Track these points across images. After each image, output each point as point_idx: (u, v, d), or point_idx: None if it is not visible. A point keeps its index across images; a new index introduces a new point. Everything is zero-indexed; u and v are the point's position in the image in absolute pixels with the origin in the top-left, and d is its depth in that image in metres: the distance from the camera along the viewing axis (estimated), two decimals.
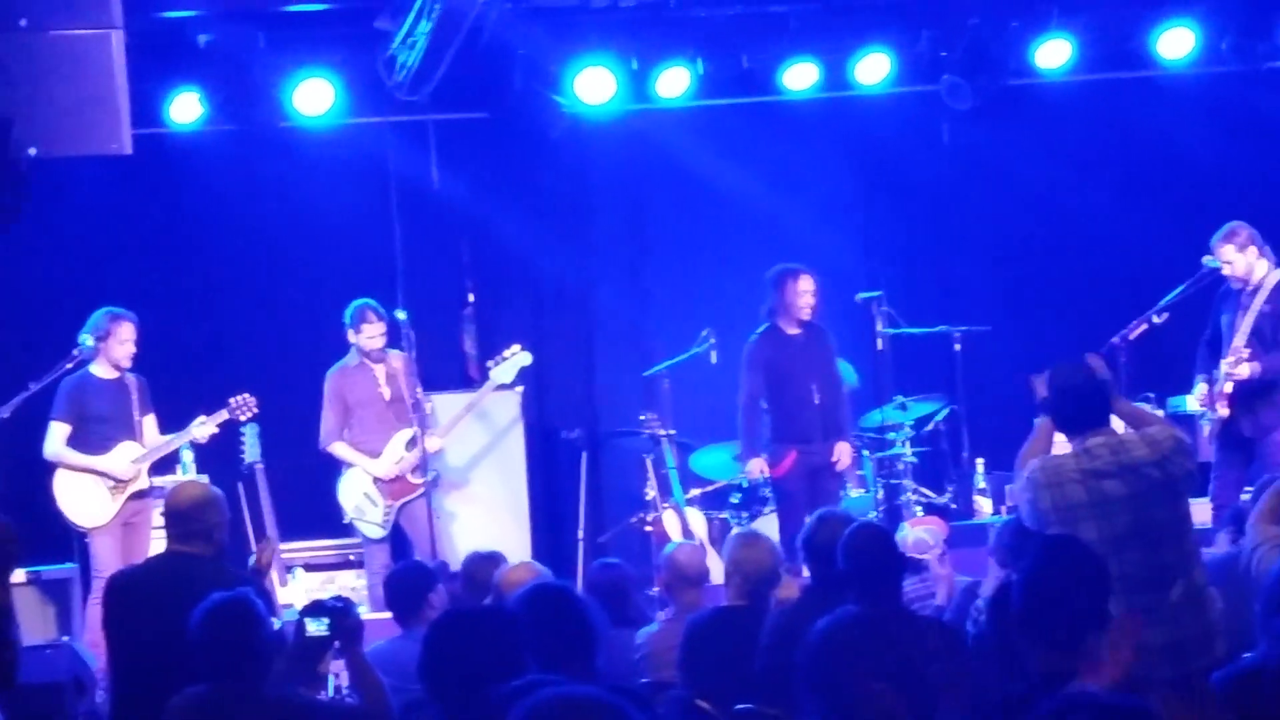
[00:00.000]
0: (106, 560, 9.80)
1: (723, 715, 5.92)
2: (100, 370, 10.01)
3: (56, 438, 9.95)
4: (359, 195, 12.18)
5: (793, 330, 10.44)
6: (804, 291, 10.37)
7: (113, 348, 9.97)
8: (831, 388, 10.46)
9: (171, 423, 10.25)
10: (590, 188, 12.74)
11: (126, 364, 10.04)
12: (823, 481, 10.40)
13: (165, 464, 10.54)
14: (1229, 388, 9.69)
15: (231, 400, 10.30)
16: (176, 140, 11.68)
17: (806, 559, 6.29)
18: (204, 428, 10.18)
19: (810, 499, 10.09)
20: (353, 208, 12.18)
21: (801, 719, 5.67)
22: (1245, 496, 9.24)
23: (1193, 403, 9.94)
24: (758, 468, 10.38)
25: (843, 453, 10.40)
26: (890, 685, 5.14)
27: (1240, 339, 9.70)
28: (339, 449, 10.55)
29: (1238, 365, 9.62)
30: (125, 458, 9.98)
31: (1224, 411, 9.73)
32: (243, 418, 10.33)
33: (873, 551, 5.82)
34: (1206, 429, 9.91)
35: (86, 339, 9.91)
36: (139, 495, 10.05)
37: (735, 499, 11.26)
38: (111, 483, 9.95)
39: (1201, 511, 8.89)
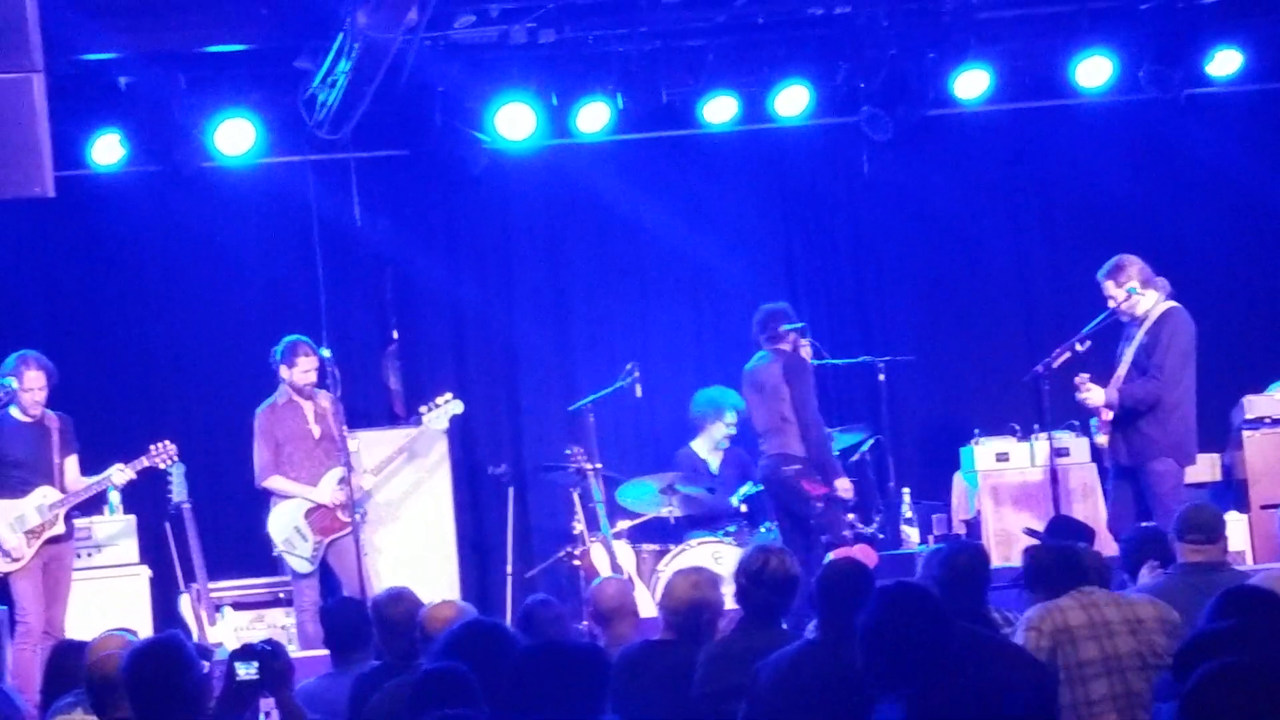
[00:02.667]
0: (28, 604, 9.73)
1: None
2: (17, 413, 9.89)
3: None
4: (281, 234, 12.15)
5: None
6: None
7: (19, 394, 9.84)
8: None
9: (95, 463, 10.15)
10: (512, 223, 12.74)
11: (36, 411, 9.90)
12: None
13: (93, 504, 10.48)
14: (1108, 416, 9.87)
15: (151, 448, 10.22)
16: (98, 181, 11.65)
17: (738, 591, 6.30)
18: (123, 474, 10.08)
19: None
20: (275, 246, 12.15)
21: None
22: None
23: (1099, 437, 10.06)
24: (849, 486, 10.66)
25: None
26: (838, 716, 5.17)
27: (1122, 369, 9.90)
28: (276, 482, 10.48)
29: (1088, 392, 9.83)
30: (41, 503, 9.90)
31: (1102, 440, 9.94)
32: (162, 465, 10.23)
33: (848, 586, 5.84)
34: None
35: (10, 381, 9.81)
36: (56, 540, 9.95)
37: (732, 528, 11.30)
38: (27, 526, 9.85)
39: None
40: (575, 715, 4.08)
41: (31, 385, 9.85)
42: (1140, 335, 9.88)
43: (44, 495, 9.92)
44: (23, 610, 9.74)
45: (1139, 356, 9.85)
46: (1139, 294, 9.87)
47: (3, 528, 9.84)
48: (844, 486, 10.54)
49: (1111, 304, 9.93)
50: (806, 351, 10.77)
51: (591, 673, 4.42)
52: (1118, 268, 9.95)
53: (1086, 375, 9.82)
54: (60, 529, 9.97)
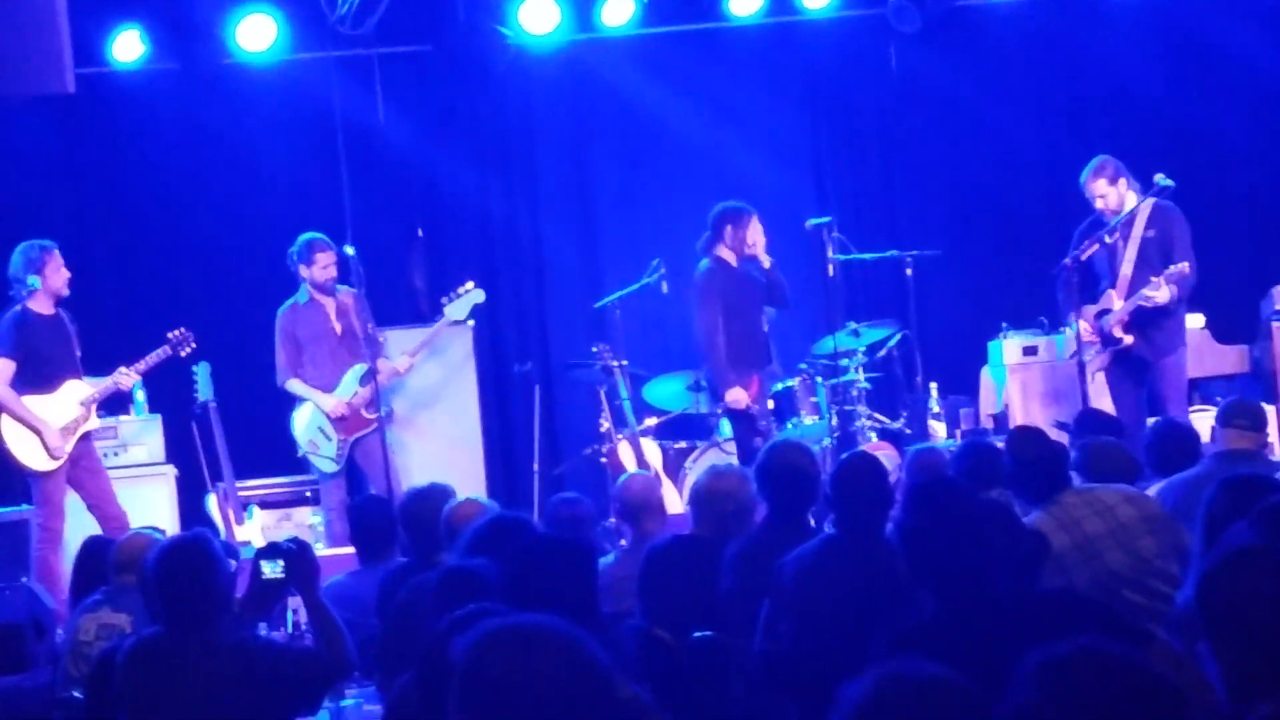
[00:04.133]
0: (56, 505, 9.70)
1: (680, 644, 5.94)
2: (39, 306, 9.73)
3: (2, 376, 9.74)
4: (304, 131, 12.08)
5: (735, 263, 10.45)
6: (759, 230, 10.40)
7: (51, 278, 9.68)
8: (768, 318, 10.55)
9: (116, 363, 10.10)
10: (536, 119, 12.68)
11: (65, 292, 9.77)
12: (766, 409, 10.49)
13: (118, 403, 10.50)
14: (1126, 316, 9.85)
15: (170, 334, 10.17)
16: (119, 79, 11.60)
17: (762, 488, 6.30)
18: (127, 377, 9.96)
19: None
20: (298, 144, 12.09)
21: (765, 646, 5.70)
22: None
23: (1083, 333, 9.98)
24: (742, 397, 10.35)
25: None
26: (861, 610, 5.18)
27: (1128, 268, 9.86)
28: (295, 385, 10.50)
29: (1156, 289, 9.75)
30: (72, 399, 9.88)
31: (1128, 339, 9.88)
32: (183, 352, 10.18)
33: (862, 481, 5.85)
34: (1098, 362, 10.03)
35: (34, 279, 9.71)
36: (87, 436, 9.90)
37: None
38: (63, 422, 9.83)
39: None
40: (571, 608, 4.10)
41: (61, 264, 9.73)
42: (1139, 231, 9.88)
43: (73, 389, 9.87)
44: (48, 513, 9.70)
45: (1146, 252, 9.85)
46: (1125, 192, 9.91)
47: (44, 423, 9.72)
48: (732, 398, 10.38)
49: (1101, 204, 10.00)
50: (758, 247, 10.44)
51: (573, 570, 4.44)
52: (1103, 167, 10.00)
53: (1128, 276, 9.77)
54: (95, 423, 9.94)
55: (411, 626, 5.00)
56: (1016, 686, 2.65)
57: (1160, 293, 9.77)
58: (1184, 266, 9.75)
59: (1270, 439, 10.36)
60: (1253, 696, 3.23)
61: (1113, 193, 9.90)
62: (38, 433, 9.69)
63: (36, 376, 9.76)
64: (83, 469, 9.85)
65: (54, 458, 9.72)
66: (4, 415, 9.74)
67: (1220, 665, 3.37)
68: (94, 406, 9.91)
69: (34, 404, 9.72)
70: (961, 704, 2.67)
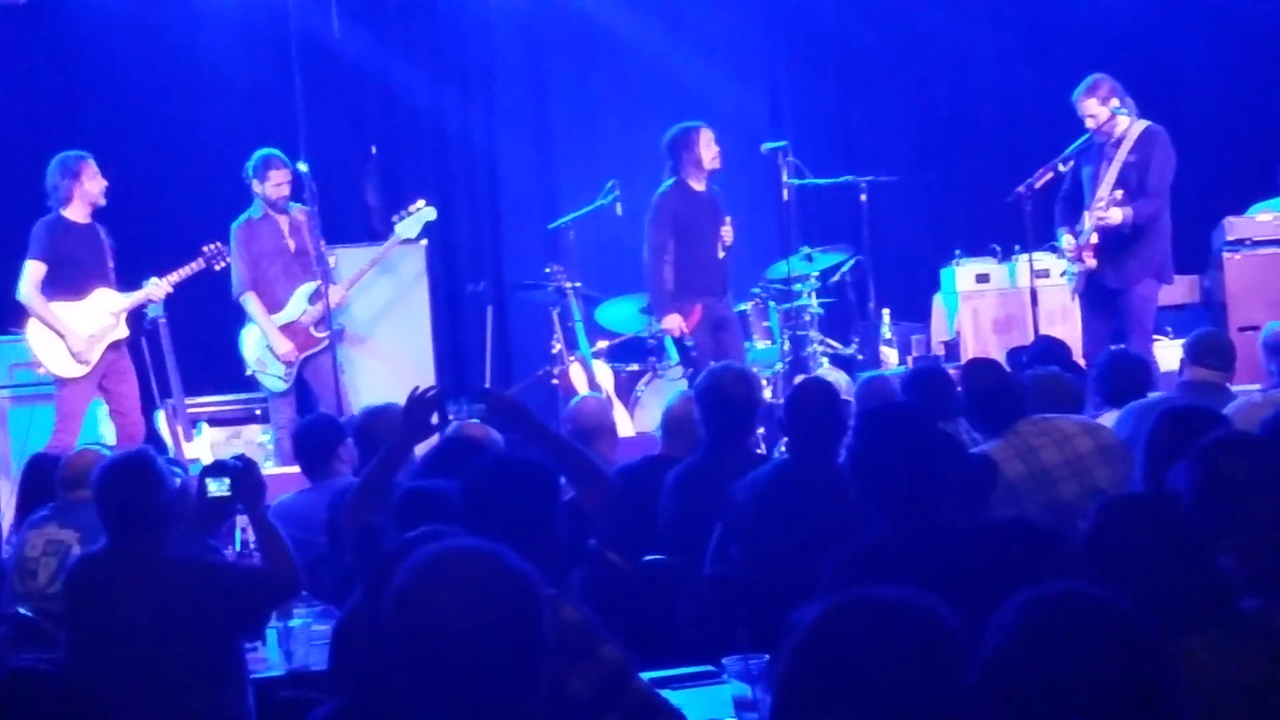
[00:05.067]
0: (76, 414, 9.72)
1: (630, 567, 5.96)
2: (74, 214, 9.76)
3: (31, 278, 9.71)
4: (259, 46, 11.96)
5: (698, 186, 10.38)
6: (709, 143, 10.31)
7: (87, 185, 9.74)
8: (725, 243, 10.47)
9: None
10: (494, 38, 12.60)
11: (102, 201, 9.81)
12: (725, 335, 10.43)
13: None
14: (1094, 239, 9.75)
15: (205, 248, 10.14)
16: None
17: (703, 414, 6.31)
18: (159, 287, 9.97)
19: (715, 353, 10.13)
20: (252, 58, 11.98)
21: (715, 570, 5.72)
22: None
23: (1066, 248, 9.93)
24: (677, 323, 10.33)
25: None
26: (813, 535, 5.20)
27: (1105, 189, 9.74)
28: (250, 301, 10.43)
29: (1108, 210, 9.63)
30: (103, 308, 9.82)
31: (1091, 263, 9.78)
32: (217, 266, 10.17)
33: (815, 407, 5.86)
34: (1071, 284, 10.00)
35: (64, 183, 9.68)
36: (117, 345, 9.89)
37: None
38: (92, 330, 9.78)
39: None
40: (526, 530, 4.09)
41: (95, 184, 9.78)
42: (1123, 154, 9.77)
43: (104, 298, 9.85)
44: (65, 420, 9.70)
45: (1125, 176, 9.72)
46: (1120, 112, 9.78)
47: (70, 329, 9.73)
48: (666, 325, 10.36)
49: (1092, 123, 9.81)
50: (710, 157, 10.29)
51: (537, 487, 4.42)
52: (1097, 86, 9.83)
53: (1103, 198, 9.67)
54: (123, 332, 9.92)
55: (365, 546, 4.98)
56: (996, 629, 2.63)
57: (1111, 213, 9.63)
58: (1116, 193, 9.62)
59: None
60: None
61: (1103, 112, 9.78)
62: (62, 338, 9.71)
63: (67, 282, 9.76)
64: (111, 377, 9.86)
65: (79, 363, 9.73)
66: (31, 320, 9.77)
67: None
68: (124, 315, 9.90)
69: (63, 310, 9.75)
70: (921, 627, 2.66)
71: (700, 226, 10.32)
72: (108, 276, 9.90)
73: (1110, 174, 9.76)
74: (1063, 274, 10.27)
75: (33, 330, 9.79)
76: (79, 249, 9.80)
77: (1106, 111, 9.76)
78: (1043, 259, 10.75)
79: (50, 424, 9.87)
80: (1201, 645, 3.25)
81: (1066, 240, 9.89)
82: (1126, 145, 9.77)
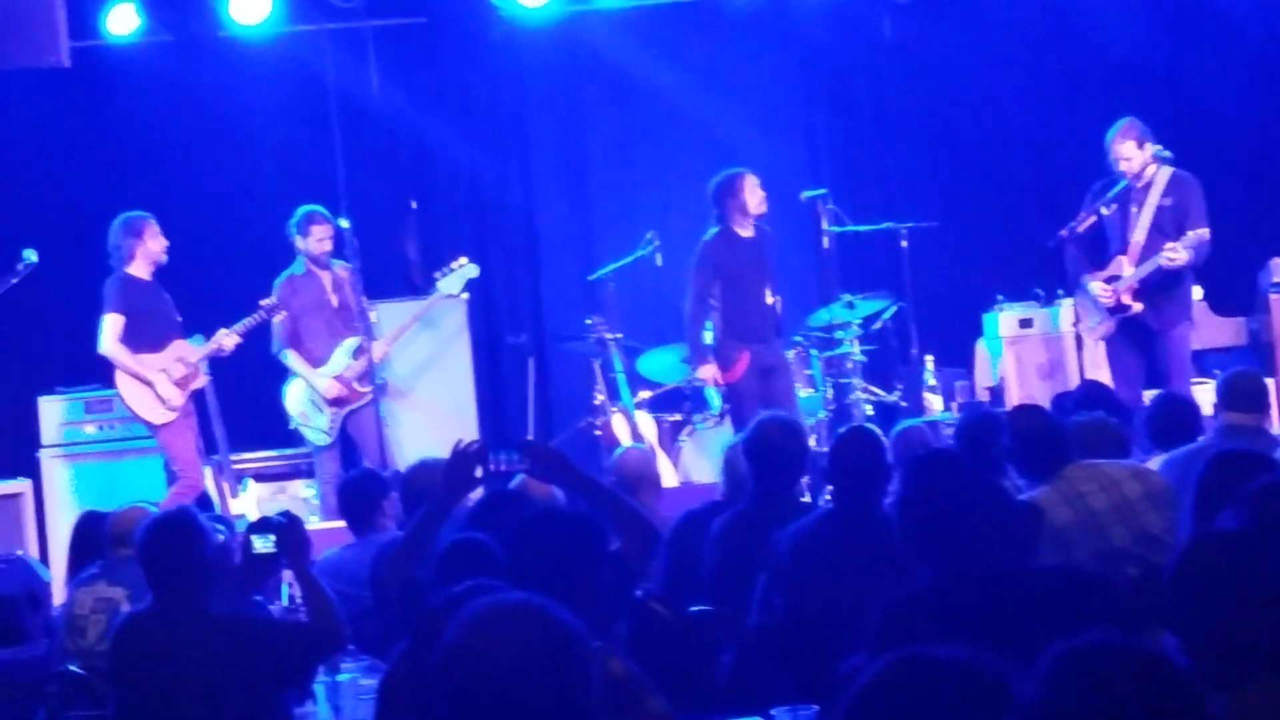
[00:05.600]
0: (189, 457, 10.02)
1: (675, 617, 5.94)
2: (139, 272, 10.05)
3: (111, 331, 9.97)
4: (298, 104, 12.07)
5: (745, 232, 10.35)
6: (754, 188, 10.29)
7: (150, 244, 10.04)
8: (778, 289, 10.44)
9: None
10: (530, 92, 12.66)
11: (164, 259, 10.09)
12: (774, 382, 10.39)
13: (109, 375, 10.47)
14: (1135, 284, 9.73)
15: (262, 302, 10.31)
16: (113, 52, 11.58)
17: (749, 463, 6.31)
18: (230, 338, 10.21)
19: (764, 400, 10.12)
20: (292, 117, 12.08)
21: (760, 619, 5.71)
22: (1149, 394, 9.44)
23: (1100, 293, 9.90)
24: (711, 374, 10.31)
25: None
26: (858, 583, 5.18)
27: (1140, 234, 9.73)
28: (290, 358, 10.50)
29: (1175, 252, 9.57)
30: (182, 356, 10.09)
31: (1138, 306, 9.78)
32: (276, 318, 10.38)
33: (859, 455, 5.85)
34: (1101, 329, 9.95)
35: (134, 243, 9.98)
36: (198, 394, 10.17)
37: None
38: (176, 376, 10.03)
39: None
40: (572, 582, 4.09)
41: (157, 243, 10.05)
42: (1155, 198, 9.75)
43: (181, 348, 10.10)
44: (182, 464, 9.97)
45: (1161, 220, 9.72)
46: (1148, 157, 9.77)
47: (157, 376, 9.98)
48: (700, 375, 10.34)
49: (1127, 166, 9.78)
50: (755, 203, 10.28)
51: (582, 541, 4.42)
52: (1130, 129, 9.81)
53: (1172, 243, 9.64)
54: (204, 380, 10.17)
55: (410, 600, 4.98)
56: (1035, 679, 2.60)
57: (1180, 255, 9.57)
58: (1204, 232, 9.60)
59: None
60: (1213, 688, 3.20)
61: (1139, 156, 9.76)
62: (150, 385, 9.95)
63: (146, 335, 10.04)
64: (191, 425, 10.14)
65: (169, 409, 9.98)
66: (118, 373, 10.03)
67: (1185, 652, 3.33)
68: (203, 364, 10.15)
69: (146, 361, 10.02)
70: (979, 686, 2.64)
71: (746, 273, 10.29)
72: (179, 329, 10.15)
73: (1145, 218, 9.74)
74: (1074, 324, 10.23)
75: (121, 382, 10.05)
76: (152, 303, 10.07)
77: (1140, 156, 9.74)
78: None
79: (101, 481, 10.02)
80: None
81: (1098, 286, 9.86)
82: (1157, 189, 9.76)
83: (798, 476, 6.29)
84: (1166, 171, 9.79)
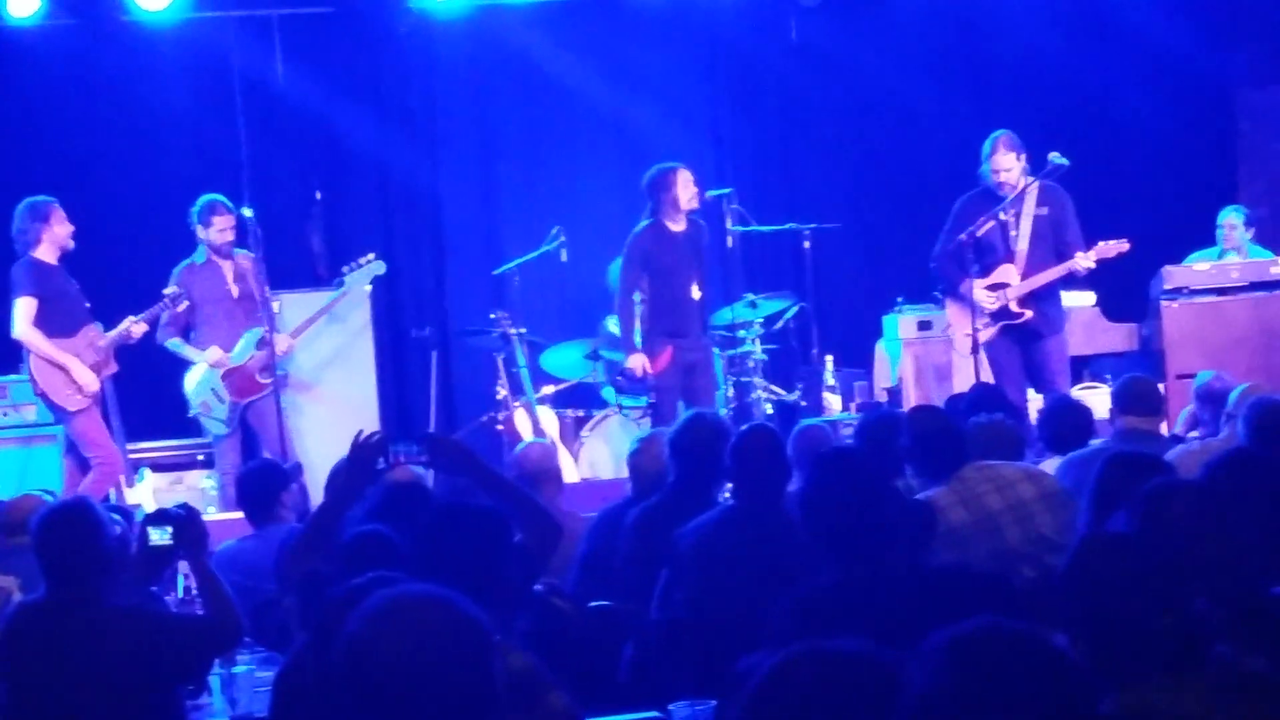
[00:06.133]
0: (104, 439, 9.89)
1: (576, 612, 5.95)
2: (45, 257, 9.87)
3: (25, 315, 9.78)
4: (203, 91, 11.97)
5: (676, 226, 10.37)
6: (687, 184, 10.31)
7: (57, 229, 9.86)
8: (707, 284, 10.48)
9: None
10: (439, 84, 12.63)
11: (71, 244, 9.91)
12: (696, 379, 10.41)
13: (8, 363, 10.36)
14: (1026, 290, 9.95)
15: (166, 291, 10.19)
16: (14, 35, 11.44)
17: (673, 457, 6.33)
18: (139, 326, 10.08)
19: (685, 396, 10.19)
20: (197, 104, 11.97)
21: (662, 615, 5.73)
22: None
23: (985, 299, 10.04)
24: (640, 364, 10.32)
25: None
26: (758, 580, 5.21)
27: (1023, 243, 9.96)
28: (174, 344, 10.41)
29: (1088, 259, 9.84)
30: (94, 343, 9.91)
31: (1028, 313, 9.97)
32: (179, 307, 10.23)
33: (760, 453, 5.88)
34: (986, 334, 10.08)
35: (40, 227, 9.81)
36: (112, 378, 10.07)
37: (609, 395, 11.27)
38: (91, 361, 9.89)
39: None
40: (477, 576, 4.10)
41: (64, 228, 9.88)
42: (1030, 208, 9.98)
43: (93, 334, 9.96)
44: (97, 450, 9.81)
45: (1040, 228, 9.96)
46: (1055, 163, 9.97)
47: (72, 360, 9.82)
48: (629, 364, 10.35)
49: (1007, 176, 9.97)
50: (687, 198, 10.30)
51: (488, 534, 4.43)
52: (1013, 141, 10.01)
53: (1084, 252, 9.85)
54: (114, 367, 10.03)
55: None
56: (921, 667, 2.64)
57: (1090, 263, 9.87)
58: (1123, 245, 9.88)
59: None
60: (1106, 687, 3.26)
61: (1017, 167, 9.95)
62: (66, 370, 9.79)
63: (58, 320, 9.87)
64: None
65: (85, 395, 9.82)
66: (33, 356, 9.85)
67: (1078, 652, 3.38)
68: (111, 351, 9.99)
69: (60, 346, 9.85)
70: (875, 678, 2.67)
71: (674, 267, 10.30)
72: (90, 315, 10.01)
73: (1025, 227, 9.99)
74: (946, 328, 10.38)
75: (36, 367, 9.86)
76: (62, 287, 9.93)
77: (1019, 165, 9.95)
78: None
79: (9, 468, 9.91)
80: (1173, 688, 3.27)
81: (983, 293, 10.00)
82: (1031, 199, 10.01)
83: (719, 478, 6.30)
84: (1037, 182, 9.99)
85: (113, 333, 10.02)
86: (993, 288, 10.04)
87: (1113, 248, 9.92)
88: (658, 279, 10.30)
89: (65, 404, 9.86)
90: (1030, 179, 10.02)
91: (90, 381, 9.85)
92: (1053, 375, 10.00)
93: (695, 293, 10.36)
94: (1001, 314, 10.02)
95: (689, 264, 10.33)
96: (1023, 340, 10.09)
